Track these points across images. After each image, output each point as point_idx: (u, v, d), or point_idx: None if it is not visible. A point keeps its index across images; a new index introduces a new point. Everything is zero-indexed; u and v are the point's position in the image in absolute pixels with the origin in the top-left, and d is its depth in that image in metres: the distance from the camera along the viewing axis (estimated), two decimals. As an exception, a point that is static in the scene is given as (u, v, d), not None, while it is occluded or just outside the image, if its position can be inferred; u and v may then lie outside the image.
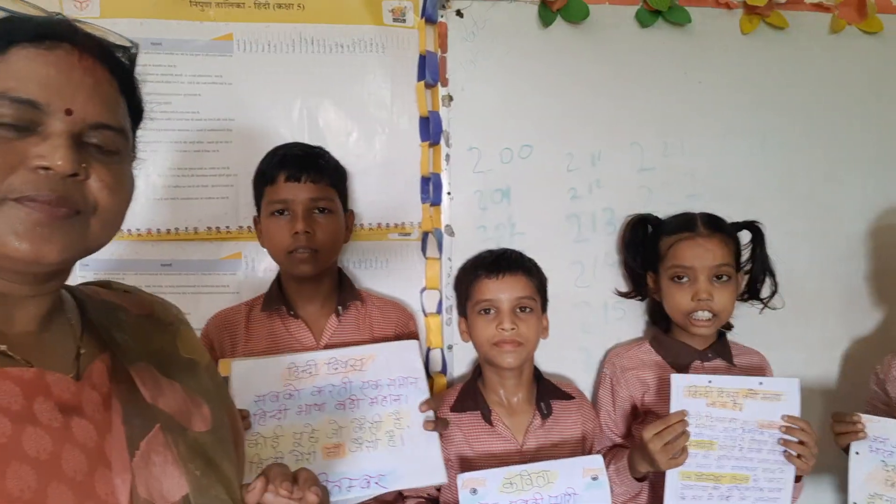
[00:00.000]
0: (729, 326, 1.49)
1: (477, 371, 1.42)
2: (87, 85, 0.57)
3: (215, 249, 1.46)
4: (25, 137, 0.54)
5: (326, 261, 1.31)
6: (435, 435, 1.22)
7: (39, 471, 0.52)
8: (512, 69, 1.51)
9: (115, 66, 0.62)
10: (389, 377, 1.24)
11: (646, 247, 1.49)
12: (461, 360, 1.51)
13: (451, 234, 1.50)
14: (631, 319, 1.58)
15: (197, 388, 0.70)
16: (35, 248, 0.54)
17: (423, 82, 1.46)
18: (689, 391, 1.23)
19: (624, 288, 1.56)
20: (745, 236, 1.47)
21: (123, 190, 0.61)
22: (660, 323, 1.52)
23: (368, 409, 1.20)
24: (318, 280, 1.32)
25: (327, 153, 1.36)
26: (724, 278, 1.36)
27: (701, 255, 1.36)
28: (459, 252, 1.49)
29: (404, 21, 1.49)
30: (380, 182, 1.50)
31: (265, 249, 1.36)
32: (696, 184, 1.58)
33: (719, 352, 1.43)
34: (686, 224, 1.41)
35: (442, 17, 1.47)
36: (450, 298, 1.50)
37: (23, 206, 0.53)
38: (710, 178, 1.59)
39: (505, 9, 1.49)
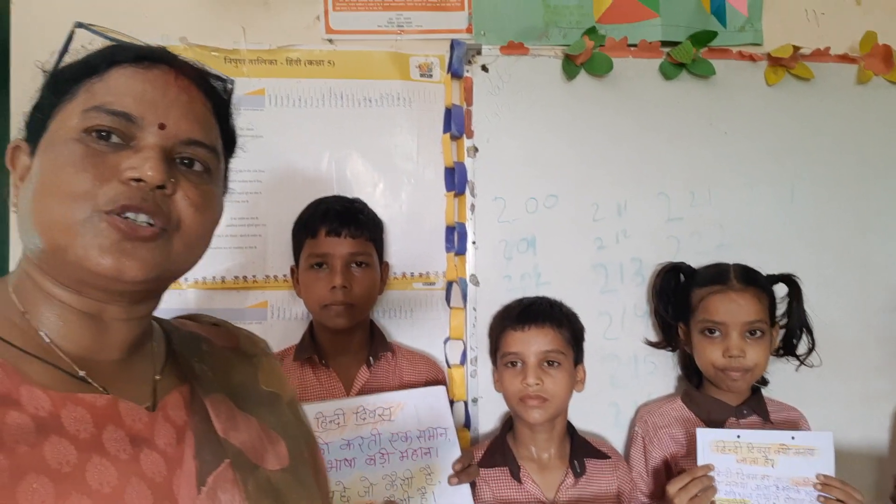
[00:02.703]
0: (764, 382, 1.48)
1: (508, 424, 1.43)
2: (182, 102, 0.60)
3: (241, 299, 1.51)
4: (119, 151, 0.56)
5: (361, 314, 1.36)
6: (467, 491, 1.23)
7: None
8: (537, 121, 1.57)
9: (209, 91, 0.64)
10: (419, 428, 1.25)
11: (677, 296, 1.50)
12: (487, 413, 1.53)
13: (476, 283, 1.53)
14: (662, 373, 1.58)
15: (275, 424, 0.69)
16: (118, 264, 0.54)
17: (448, 134, 1.52)
18: (716, 446, 1.22)
19: (654, 338, 1.56)
20: (781, 289, 1.48)
21: (210, 210, 0.62)
22: (692, 377, 1.51)
23: (399, 464, 1.21)
24: (350, 331, 1.36)
25: (367, 207, 1.43)
26: (758, 334, 1.36)
27: (733, 310, 1.36)
28: (484, 302, 1.52)
29: (431, 76, 1.57)
30: (405, 232, 1.56)
31: (294, 299, 1.40)
32: (725, 234, 1.60)
33: (754, 408, 1.42)
34: (719, 276, 1.42)
35: (468, 71, 1.54)
36: (475, 350, 1.52)
37: (109, 220, 0.54)
38: (740, 228, 1.61)
39: (529, 63, 1.57)
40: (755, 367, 1.36)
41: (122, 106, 0.56)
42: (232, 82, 0.69)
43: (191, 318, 0.76)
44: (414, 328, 1.54)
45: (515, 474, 1.33)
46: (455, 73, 1.54)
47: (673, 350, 1.56)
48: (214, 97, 0.65)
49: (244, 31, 1.53)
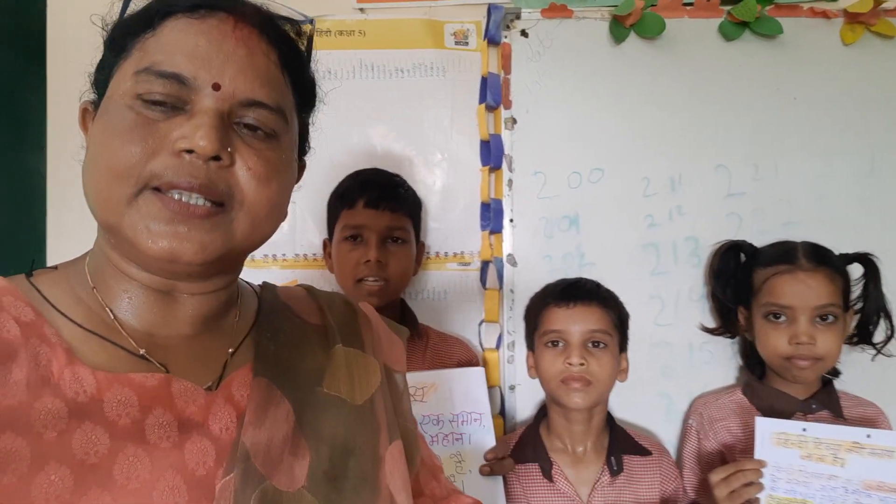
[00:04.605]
0: (836, 373, 1.37)
1: (541, 413, 1.38)
2: (239, 57, 0.54)
3: (271, 277, 1.49)
4: (172, 118, 0.52)
5: (395, 293, 1.34)
6: (499, 484, 1.19)
7: (121, 502, 0.47)
8: (581, 89, 1.50)
9: (276, 38, 0.57)
10: (452, 412, 1.22)
11: (737, 278, 1.41)
12: (525, 402, 1.47)
13: (514, 263, 1.48)
14: (720, 363, 1.49)
15: (317, 432, 0.60)
16: (171, 248, 0.50)
17: (484, 105, 1.47)
18: (778, 439, 1.13)
19: (711, 324, 1.47)
20: (855, 270, 1.36)
21: (276, 180, 0.56)
22: (754, 367, 1.41)
23: None
24: (380, 311, 1.32)
25: (406, 182, 1.41)
26: (830, 319, 1.26)
27: (802, 292, 1.27)
28: (523, 283, 1.47)
29: (467, 44, 1.53)
30: (438, 209, 1.53)
31: (324, 278, 1.39)
32: (794, 211, 1.49)
33: (825, 402, 1.31)
34: (785, 255, 1.32)
35: (506, 37, 1.49)
36: (512, 334, 1.47)
37: (160, 199, 0.51)
38: (810, 205, 1.50)
39: (573, 26, 1.50)
40: (826, 355, 1.26)
41: (172, 66, 0.52)
42: (310, 21, 0.62)
43: (306, 288, 0.73)
44: (448, 310, 1.51)
45: (547, 472, 1.27)
46: (492, 40, 1.49)
47: (732, 337, 1.47)
48: (283, 46, 0.58)
49: (283, 5, 1.51)
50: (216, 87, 0.52)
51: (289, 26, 0.60)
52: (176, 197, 0.51)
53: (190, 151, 0.51)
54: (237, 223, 0.54)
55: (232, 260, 0.57)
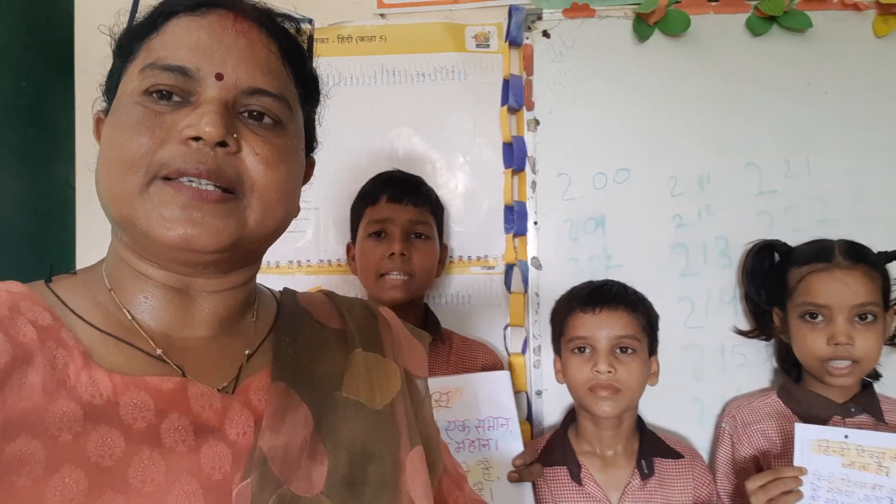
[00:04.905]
0: (877, 376, 1.32)
1: (569, 417, 1.36)
2: (240, 47, 0.55)
3: (295, 283, 1.50)
4: (178, 110, 0.53)
5: (418, 289, 1.33)
6: (528, 489, 1.16)
7: None
8: (605, 89, 1.49)
9: (277, 34, 0.59)
10: (478, 417, 1.20)
11: (772, 278, 1.38)
12: (552, 407, 1.46)
13: (539, 266, 1.46)
14: (753, 366, 1.46)
15: (336, 436, 0.59)
16: (185, 234, 0.51)
17: (506, 107, 1.46)
18: (818, 446, 1.09)
19: (744, 326, 1.43)
20: (894, 268, 1.32)
21: (285, 166, 0.56)
22: (790, 370, 1.38)
23: (454, 455, 1.16)
24: (403, 313, 1.32)
25: (427, 184, 1.42)
26: (869, 318, 1.23)
27: (839, 290, 1.23)
28: (548, 287, 1.45)
29: (488, 46, 1.53)
30: (461, 212, 1.52)
31: (348, 284, 1.40)
32: (828, 208, 1.46)
33: (865, 405, 1.27)
34: (821, 253, 1.29)
35: (527, 39, 1.49)
36: (538, 338, 1.45)
37: (171, 186, 0.51)
38: (845, 201, 1.46)
39: (595, 26, 1.49)
40: (865, 357, 1.22)
41: (175, 59, 0.53)
42: (308, 21, 0.64)
43: (326, 293, 0.74)
44: (472, 315, 1.50)
45: (575, 475, 1.25)
46: (514, 42, 1.49)
47: (767, 339, 1.43)
48: (283, 40, 0.60)
49: (295, 10, 1.53)
50: (219, 76, 0.54)
51: (288, 23, 0.62)
52: (186, 183, 0.52)
53: (197, 139, 0.52)
54: (249, 209, 0.54)
55: (245, 250, 0.57)
